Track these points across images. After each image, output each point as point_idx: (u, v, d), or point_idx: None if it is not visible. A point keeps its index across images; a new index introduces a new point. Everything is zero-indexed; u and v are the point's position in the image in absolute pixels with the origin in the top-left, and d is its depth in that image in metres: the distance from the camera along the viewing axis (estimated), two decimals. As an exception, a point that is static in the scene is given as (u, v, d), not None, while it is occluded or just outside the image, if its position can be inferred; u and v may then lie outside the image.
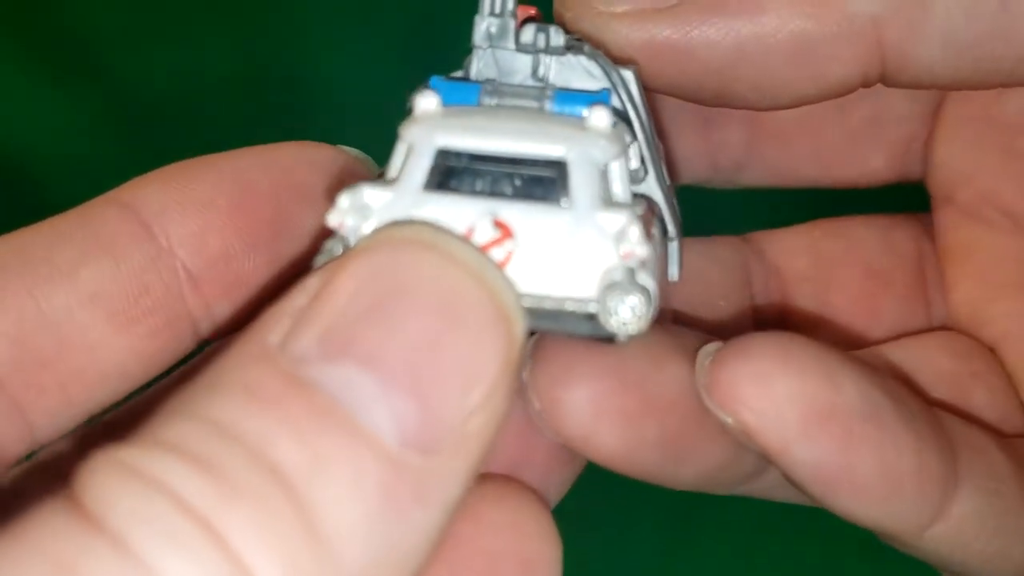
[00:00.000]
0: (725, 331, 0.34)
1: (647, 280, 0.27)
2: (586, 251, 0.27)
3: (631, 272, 0.27)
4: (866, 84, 0.32)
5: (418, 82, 0.30)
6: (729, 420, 0.29)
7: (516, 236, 0.27)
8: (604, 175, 0.28)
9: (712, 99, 0.33)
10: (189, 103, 0.53)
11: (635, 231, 0.27)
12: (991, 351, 0.37)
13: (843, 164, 0.40)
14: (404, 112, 0.30)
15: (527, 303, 0.27)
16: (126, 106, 0.53)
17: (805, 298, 0.39)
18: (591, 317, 0.27)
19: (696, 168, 0.39)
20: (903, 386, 0.32)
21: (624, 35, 0.32)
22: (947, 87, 0.35)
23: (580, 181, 0.27)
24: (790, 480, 0.30)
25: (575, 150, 0.27)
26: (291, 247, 0.31)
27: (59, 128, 0.53)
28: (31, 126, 0.53)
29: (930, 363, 0.35)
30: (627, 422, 0.30)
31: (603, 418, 0.30)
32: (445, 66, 0.31)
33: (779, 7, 0.30)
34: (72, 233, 0.29)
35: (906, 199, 0.41)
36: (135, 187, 0.30)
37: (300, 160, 0.32)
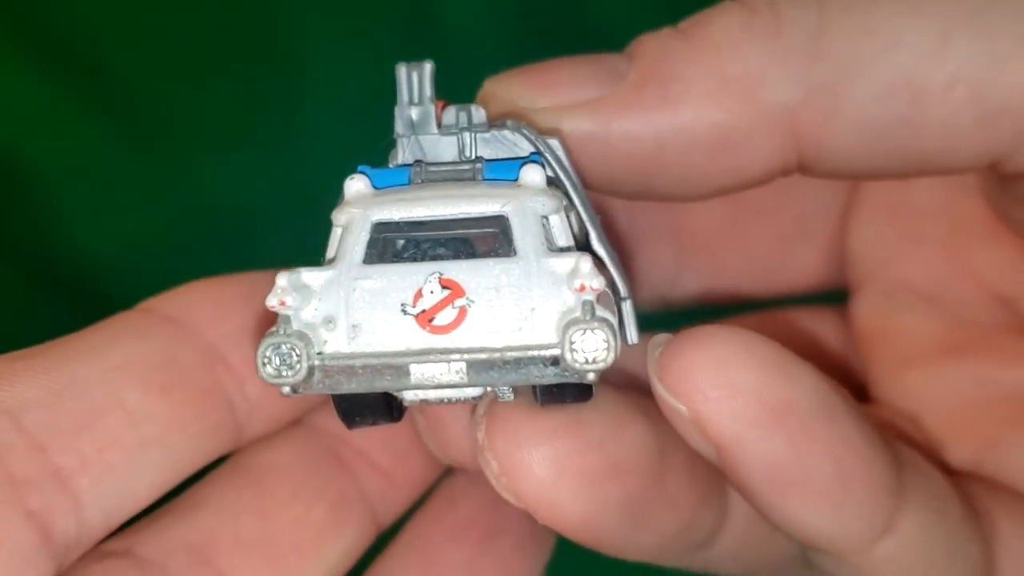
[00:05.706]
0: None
1: (605, 312, 0.26)
2: (540, 297, 0.26)
3: (590, 306, 0.26)
4: (785, 173, 0.32)
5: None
6: (683, 408, 0.27)
7: (467, 292, 0.26)
8: (545, 227, 0.27)
9: (634, 192, 0.33)
10: (186, 101, 0.52)
11: (586, 265, 0.26)
12: (912, 421, 0.37)
13: (775, 268, 0.40)
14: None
15: (487, 356, 0.26)
16: (124, 105, 0.52)
17: None
18: (555, 361, 0.26)
19: None
20: (852, 398, 0.31)
21: (545, 129, 0.32)
22: (862, 176, 0.35)
23: (523, 231, 0.27)
24: (737, 486, 0.28)
25: (513, 204, 0.27)
26: None
27: (55, 128, 0.51)
28: (27, 125, 0.51)
29: None
30: (590, 484, 0.29)
31: (565, 479, 0.28)
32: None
33: (696, 100, 0.30)
34: (93, 329, 0.30)
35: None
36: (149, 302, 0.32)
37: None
